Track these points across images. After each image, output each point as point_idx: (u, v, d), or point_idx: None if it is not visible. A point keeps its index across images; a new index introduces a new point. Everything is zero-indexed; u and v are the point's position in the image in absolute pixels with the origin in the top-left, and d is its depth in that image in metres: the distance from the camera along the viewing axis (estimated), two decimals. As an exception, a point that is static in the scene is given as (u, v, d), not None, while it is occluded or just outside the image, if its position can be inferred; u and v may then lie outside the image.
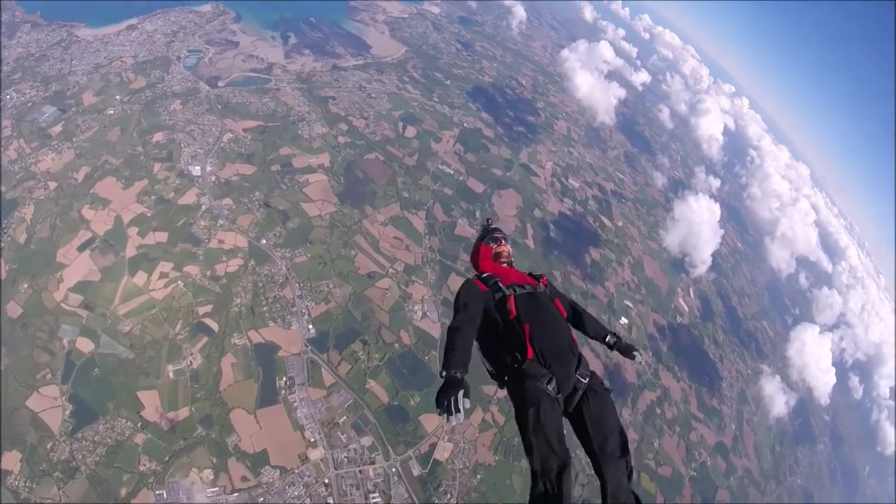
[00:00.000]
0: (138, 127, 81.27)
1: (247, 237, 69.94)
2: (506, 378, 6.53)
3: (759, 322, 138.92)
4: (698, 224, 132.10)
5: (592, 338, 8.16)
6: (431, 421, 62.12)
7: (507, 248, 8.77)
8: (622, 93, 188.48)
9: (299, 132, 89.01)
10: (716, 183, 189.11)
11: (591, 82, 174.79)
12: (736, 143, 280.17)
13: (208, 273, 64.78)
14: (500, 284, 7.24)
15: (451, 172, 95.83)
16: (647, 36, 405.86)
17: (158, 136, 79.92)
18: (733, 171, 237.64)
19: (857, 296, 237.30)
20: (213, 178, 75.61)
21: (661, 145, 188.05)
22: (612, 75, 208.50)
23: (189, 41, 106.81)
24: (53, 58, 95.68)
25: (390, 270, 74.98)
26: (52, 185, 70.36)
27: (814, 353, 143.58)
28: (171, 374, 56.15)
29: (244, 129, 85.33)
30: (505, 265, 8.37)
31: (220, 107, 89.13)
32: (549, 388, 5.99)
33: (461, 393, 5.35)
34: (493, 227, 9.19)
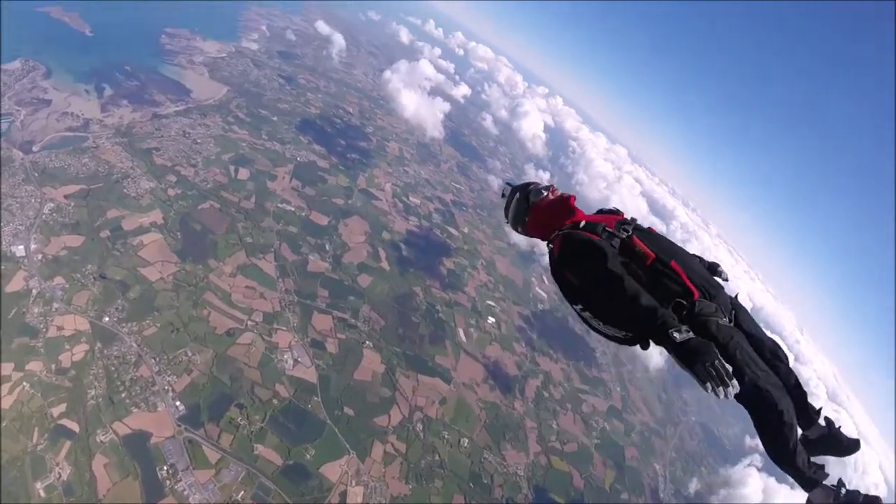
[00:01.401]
0: None
1: (87, 317, 61.26)
2: (666, 334, 4.58)
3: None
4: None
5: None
6: (334, 470, 59.10)
7: None
8: (446, 107, 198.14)
9: (125, 191, 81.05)
10: (545, 176, 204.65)
11: (416, 100, 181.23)
12: (557, 137, 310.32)
13: (53, 367, 55.82)
14: (608, 228, 5.62)
15: (293, 209, 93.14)
16: (461, 52, 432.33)
17: None
18: (559, 162, 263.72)
19: (693, 246, 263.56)
20: (40, 257, 65.89)
21: (490, 151, 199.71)
22: (435, 91, 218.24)
23: None
24: None
25: (249, 323, 69.89)
26: None
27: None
28: (41, 493, 47.39)
29: (66, 196, 75.85)
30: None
31: (37, 174, 78.45)
32: (726, 319, 5.13)
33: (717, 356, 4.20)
34: (527, 182, 7.17)
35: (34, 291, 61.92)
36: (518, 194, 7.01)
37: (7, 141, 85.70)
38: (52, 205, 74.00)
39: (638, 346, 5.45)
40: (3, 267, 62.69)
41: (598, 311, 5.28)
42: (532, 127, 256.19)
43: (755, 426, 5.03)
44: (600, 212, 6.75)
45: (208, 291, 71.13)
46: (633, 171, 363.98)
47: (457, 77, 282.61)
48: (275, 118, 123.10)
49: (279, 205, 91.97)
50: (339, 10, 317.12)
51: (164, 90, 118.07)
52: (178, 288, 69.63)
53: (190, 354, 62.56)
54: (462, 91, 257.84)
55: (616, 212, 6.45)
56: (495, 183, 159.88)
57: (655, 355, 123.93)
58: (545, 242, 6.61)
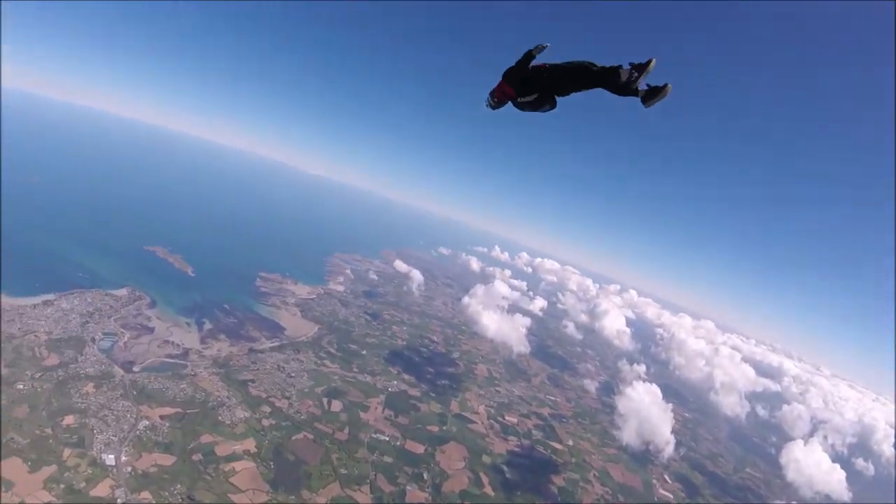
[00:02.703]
0: (48, 407, 71.15)
1: (171, 537, 55.62)
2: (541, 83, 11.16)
3: (742, 471, 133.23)
4: (646, 409, 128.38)
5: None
6: None
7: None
8: (527, 321, 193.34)
9: (220, 418, 79.82)
10: (641, 368, 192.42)
11: (497, 320, 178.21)
12: (641, 328, 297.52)
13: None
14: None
15: (387, 439, 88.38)
16: (530, 270, 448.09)
17: (69, 419, 69.62)
18: (650, 352, 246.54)
19: (814, 395, 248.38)
20: (129, 469, 63.51)
21: (578, 356, 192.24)
22: (513, 308, 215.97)
23: (104, 323, 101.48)
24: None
25: (343, 559, 61.42)
26: (-51, 452, 58.37)
27: (811, 464, 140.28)
28: None
29: (161, 416, 75.49)
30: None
31: (135, 392, 79.92)
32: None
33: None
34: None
35: (119, 501, 58.37)
36: (487, 97, 12.07)
37: (109, 358, 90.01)
38: (148, 422, 73.50)
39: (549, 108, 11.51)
40: (90, 471, 60.60)
41: (523, 91, 11.18)
42: (614, 324, 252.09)
43: (585, 79, 10.46)
44: None
45: (300, 524, 64.24)
46: (727, 341, 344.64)
47: (531, 293, 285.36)
48: (364, 352, 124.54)
49: (373, 435, 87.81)
50: (413, 250, 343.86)
51: (259, 327, 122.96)
52: (269, 518, 63.54)
53: None
54: (539, 304, 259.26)
55: None
56: (592, 387, 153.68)
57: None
58: (507, 99, 11.82)
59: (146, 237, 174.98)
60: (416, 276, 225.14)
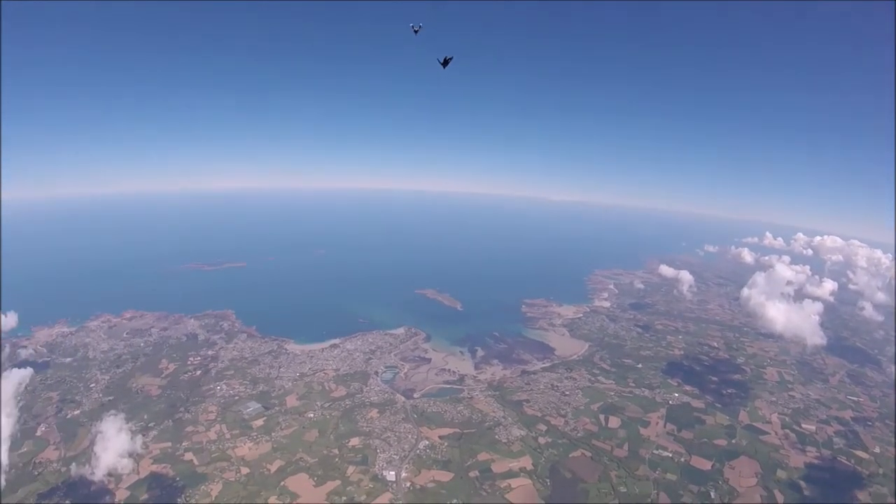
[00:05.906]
0: (336, 431, 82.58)
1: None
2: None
3: None
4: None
5: None
6: None
7: None
8: (818, 307, 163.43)
9: (496, 437, 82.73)
10: None
11: (784, 310, 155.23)
12: None
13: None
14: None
15: (670, 455, 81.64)
16: (809, 251, 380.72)
17: (355, 441, 79.59)
18: None
19: None
20: (409, 484, 68.75)
21: (880, 344, 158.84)
22: (800, 295, 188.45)
23: (385, 358, 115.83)
24: (264, 363, 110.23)
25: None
26: (245, 470, 70.74)
27: None
28: None
29: (440, 437, 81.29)
30: None
31: (415, 416, 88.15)
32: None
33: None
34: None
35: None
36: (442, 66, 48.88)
37: (391, 387, 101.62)
38: (427, 442, 79.57)
39: None
40: (371, 486, 67.62)
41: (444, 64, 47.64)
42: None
43: (448, 62, 47.24)
44: None
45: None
46: None
47: (816, 276, 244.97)
48: (639, 365, 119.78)
49: (655, 451, 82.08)
50: (676, 255, 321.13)
51: (529, 350, 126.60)
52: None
53: None
54: (827, 288, 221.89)
55: None
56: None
57: None
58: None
59: (415, 283, 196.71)
60: (686, 278, 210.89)
